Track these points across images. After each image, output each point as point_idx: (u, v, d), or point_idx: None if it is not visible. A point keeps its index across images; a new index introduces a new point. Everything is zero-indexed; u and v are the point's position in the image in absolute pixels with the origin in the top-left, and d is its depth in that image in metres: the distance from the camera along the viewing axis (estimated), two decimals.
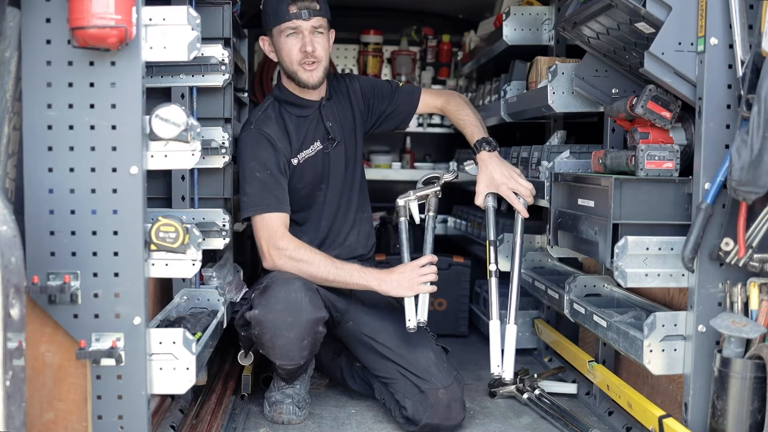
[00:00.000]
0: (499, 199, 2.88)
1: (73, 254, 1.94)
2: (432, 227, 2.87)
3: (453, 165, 4.68)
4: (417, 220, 2.90)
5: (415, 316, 2.67)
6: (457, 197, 4.87)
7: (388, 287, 2.70)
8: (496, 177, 2.85)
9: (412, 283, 2.69)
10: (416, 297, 2.70)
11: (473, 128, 3.01)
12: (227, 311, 2.71)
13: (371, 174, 4.44)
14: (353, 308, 2.89)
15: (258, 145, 2.80)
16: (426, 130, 5.26)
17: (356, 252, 3.01)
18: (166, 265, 2.01)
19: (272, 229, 2.72)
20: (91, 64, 1.91)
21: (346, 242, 3.00)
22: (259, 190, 2.75)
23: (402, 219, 2.90)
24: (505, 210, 2.90)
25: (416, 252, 2.85)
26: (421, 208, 2.94)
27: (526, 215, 2.85)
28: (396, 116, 3.15)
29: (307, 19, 2.77)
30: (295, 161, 2.87)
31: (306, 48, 2.78)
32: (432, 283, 2.71)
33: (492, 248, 2.79)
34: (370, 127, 3.13)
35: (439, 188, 2.94)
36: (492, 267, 2.77)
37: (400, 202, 2.91)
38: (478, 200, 2.88)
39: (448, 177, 2.99)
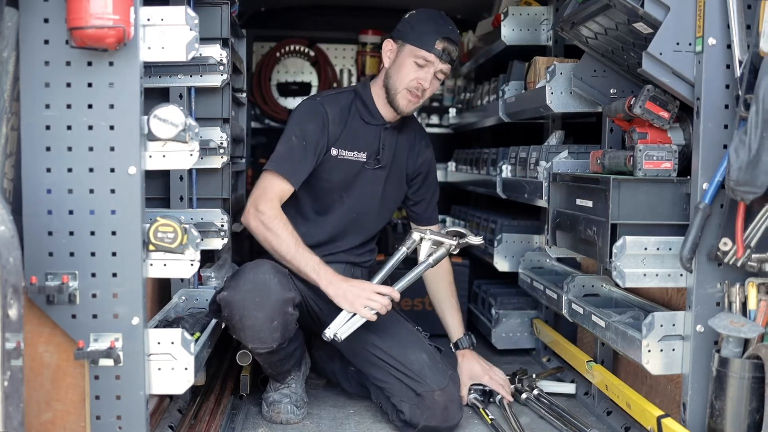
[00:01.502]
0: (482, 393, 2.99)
1: (72, 254, 1.93)
2: (419, 272, 2.74)
3: (452, 165, 4.68)
4: (419, 259, 2.77)
5: (338, 329, 2.59)
6: (456, 197, 4.87)
7: (333, 292, 2.61)
8: (478, 369, 3.00)
9: (356, 300, 2.59)
10: (353, 315, 2.61)
11: (458, 318, 3.12)
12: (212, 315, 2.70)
13: None
14: (337, 309, 2.79)
15: (311, 116, 2.82)
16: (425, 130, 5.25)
17: (346, 260, 2.99)
18: (165, 265, 2.01)
19: (265, 191, 2.72)
20: (89, 64, 1.91)
21: (341, 254, 2.97)
22: (284, 152, 2.76)
23: (403, 248, 2.77)
24: (487, 401, 2.99)
25: None
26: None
27: (510, 399, 2.95)
28: (409, 204, 3.16)
29: (443, 62, 2.80)
30: (334, 152, 2.85)
31: (425, 82, 2.80)
32: (377, 314, 2.61)
33: None
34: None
35: (455, 244, 2.76)
36: None
37: (416, 236, 2.77)
38: (463, 392, 2.94)
39: (473, 241, 2.79)
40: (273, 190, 2.73)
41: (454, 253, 2.80)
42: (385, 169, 2.94)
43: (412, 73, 2.80)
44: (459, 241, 2.76)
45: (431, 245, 2.76)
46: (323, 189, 2.88)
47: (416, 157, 3.08)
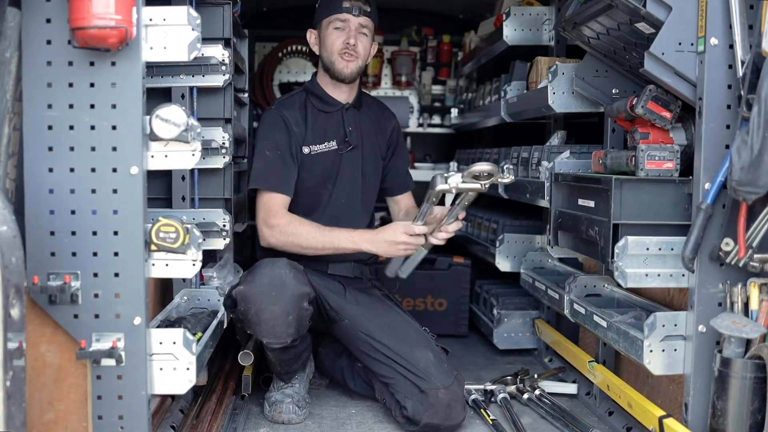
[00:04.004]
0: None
1: (74, 254, 1.94)
2: (454, 213, 2.67)
3: (453, 165, 4.67)
4: (447, 205, 2.81)
5: (396, 269, 2.76)
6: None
7: (374, 248, 2.77)
8: None
9: (391, 248, 2.74)
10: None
11: None
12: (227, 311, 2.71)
13: None
14: (348, 306, 2.89)
15: (274, 125, 2.93)
16: (426, 130, 5.26)
17: (354, 257, 3.01)
18: (167, 265, 2.01)
19: (268, 208, 2.84)
20: (92, 64, 1.91)
21: None
22: (264, 167, 2.87)
23: (427, 205, 2.66)
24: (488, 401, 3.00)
25: None
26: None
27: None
28: (387, 177, 3.20)
29: (357, 15, 2.93)
30: (306, 150, 2.94)
31: (349, 40, 2.92)
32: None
33: None
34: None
35: (485, 186, 2.53)
36: None
37: (441, 187, 2.53)
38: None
39: (503, 180, 2.55)
40: (274, 204, 2.84)
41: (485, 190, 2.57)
42: (358, 148, 3.04)
43: (336, 40, 2.93)
44: (488, 183, 2.51)
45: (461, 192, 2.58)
46: (309, 187, 2.96)
47: (384, 129, 3.18)
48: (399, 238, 2.71)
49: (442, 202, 2.72)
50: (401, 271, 2.84)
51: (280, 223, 2.80)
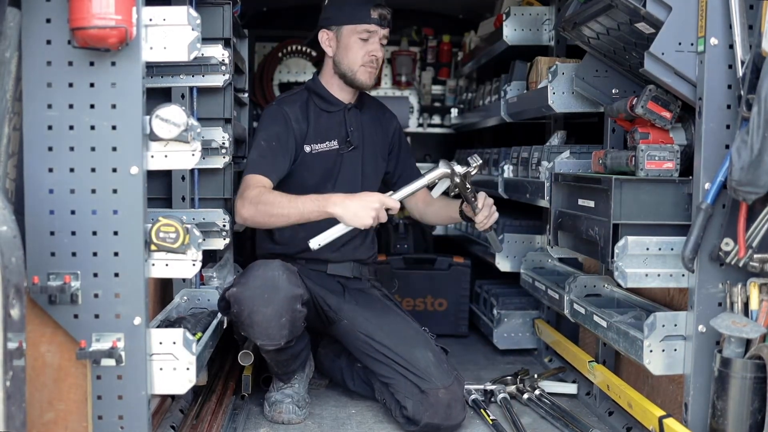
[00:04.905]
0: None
1: (74, 254, 1.94)
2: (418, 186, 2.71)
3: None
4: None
5: (323, 240, 2.59)
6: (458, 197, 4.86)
7: (340, 210, 2.58)
8: None
9: (361, 212, 2.57)
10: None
11: (450, 200, 3.10)
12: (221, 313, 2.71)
13: None
14: (346, 306, 2.89)
15: (273, 119, 2.92)
16: (426, 130, 5.26)
17: (353, 257, 3.01)
18: (167, 265, 2.01)
19: (246, 185, 2.75)
20: (92, 64, 1.91)
21: (345, 246, 2.99)
22: (257, 156, 2.85)
23: (426, 179, 2.74)
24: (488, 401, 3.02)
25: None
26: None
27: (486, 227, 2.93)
28: (398, 179, 3.20)
29: (384, 27, 2.93)
30: (307, 149, 2.93)
31: (376, 53, 2.93)
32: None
33: None
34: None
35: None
36: None
37: (445, 170, 2.73)
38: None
39: (474, 170, 2.77)
40: (252, 180, 2.76)
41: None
42: (359, 149, 3.03)
43: (361, 50, 2.91)
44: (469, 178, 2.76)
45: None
46: (310, 186, 2.93)
47: (386, 130, 3.18)
48: (375, 204, 2.57)
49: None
50: (322, 239, 2.60)
51: (251, 194, 2.69)
